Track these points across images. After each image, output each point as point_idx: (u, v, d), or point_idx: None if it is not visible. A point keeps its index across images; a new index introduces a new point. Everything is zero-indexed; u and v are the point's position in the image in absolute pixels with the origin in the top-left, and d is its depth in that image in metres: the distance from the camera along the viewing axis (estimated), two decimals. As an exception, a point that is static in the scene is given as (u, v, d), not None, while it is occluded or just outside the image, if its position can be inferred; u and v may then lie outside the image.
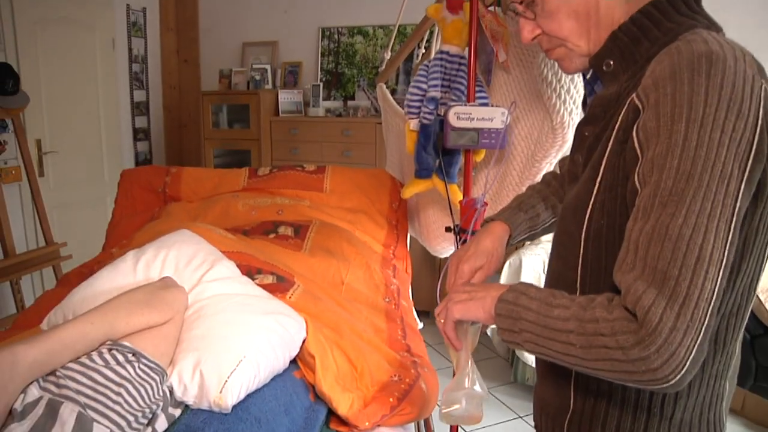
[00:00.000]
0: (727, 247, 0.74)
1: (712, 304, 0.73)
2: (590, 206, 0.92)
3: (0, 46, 3.85)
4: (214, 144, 4.83)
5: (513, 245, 1.29)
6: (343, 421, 1.29)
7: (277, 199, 2.61)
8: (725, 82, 0.74)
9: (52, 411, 0.91)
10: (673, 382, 0.74)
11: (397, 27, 2.95)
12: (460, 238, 1.73)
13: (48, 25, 4.17)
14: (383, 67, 3.19)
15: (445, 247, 2.52)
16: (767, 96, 0.77)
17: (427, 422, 2.14)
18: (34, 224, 4.16)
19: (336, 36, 4.85)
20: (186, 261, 1.36)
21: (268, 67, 4.88)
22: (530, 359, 3.15)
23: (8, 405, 0.93)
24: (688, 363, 0.73)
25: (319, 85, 4.72)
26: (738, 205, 0.75)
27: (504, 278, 3.33)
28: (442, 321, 1.05)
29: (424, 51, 3.21)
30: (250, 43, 5.11)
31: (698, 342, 0.73)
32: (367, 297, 1.97)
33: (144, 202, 2.75)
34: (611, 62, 0.93)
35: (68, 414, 0.92)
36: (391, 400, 1.28)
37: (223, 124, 4.92)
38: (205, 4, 5.27)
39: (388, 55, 3.15)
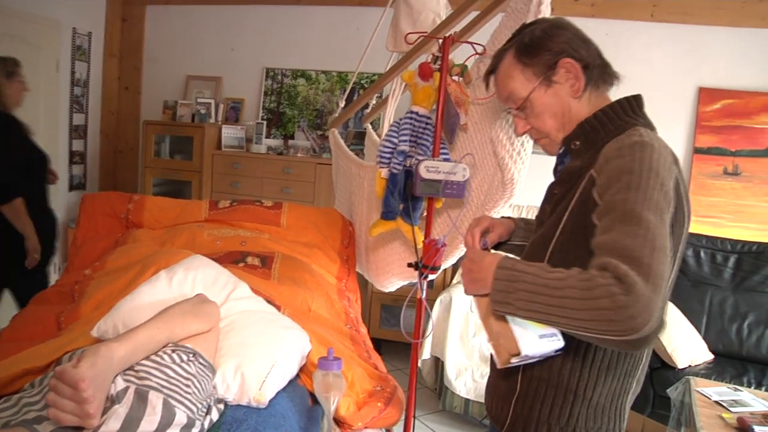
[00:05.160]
0: (670, 247, 1.06)
1: (667, 280, 1.04)
2: (552, 243, 1.27)
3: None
4: (154, 173, 4.91)
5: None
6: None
7: (239, 231, 2.80)
8: (653, 157, 1.11)
9: (142, 398, 1.12)
10: (642, 332, 1.00)
11: (356, 75, 3.24)
12: (422, 273, 2.00)
13: (-7, 40, 4.17)
14: (336, 115, 3.46)
15: (392, 283, 2.78)
16: (677, 177, 1.15)
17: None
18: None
19: (279, 77, 5.09)
20: (212, 281, 1.59)
21: (212, 101, 5.05)
22: (458, 388, 3.44)
23: (107, 391, 1.12)
24: (652, 318, 1.00)
25: (262, 123, 4.93)
26: (668, 226, 1.08)
27: (435, 314, 3.63)
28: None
29: (374, 103, 3.53)
30: (194, 76, 5.26)
31: (659, 303, 1.01)
32: (332, 323, 2.20)
33: (106, 227, 2.86)
34: (578, 143, 1.31)
35: (156, 400, 1.13)
36: (379, 404, 1.54)
37: (164, 154, 5.02)
38: (152, 34, 5.39)
39: (342, 104, 3.44)
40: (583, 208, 1.19)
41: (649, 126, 1.26)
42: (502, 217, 1.65)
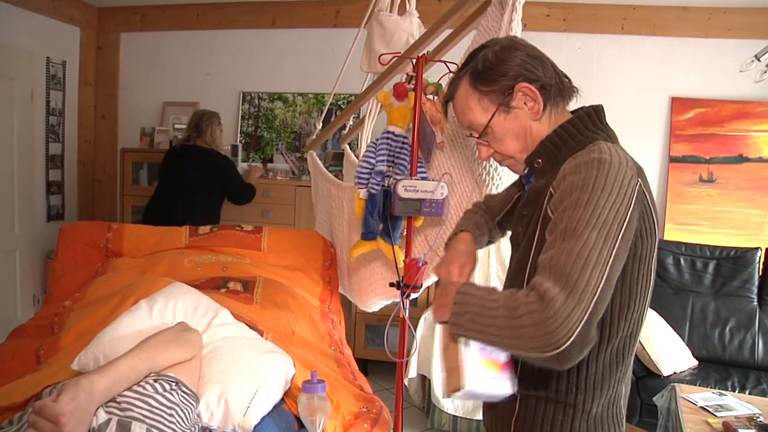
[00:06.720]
0: (609, 264, 1.05)
1: (597, 295, 1.03)
2: (528, 266, 1.26)
3: None
4: (133, 201, 4.88)
5: None
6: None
7: (220, 257, 2.79)
8: (609, 175, 1.09)
9: (125, 429, 1.11)
10: (562, 348, 1.01)
11: (332, 96, 3.25)
12: (404, 293, 2.00)
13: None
14: (314, 137, 3.47)
15: (376, 303, 2.78)
16: (640, 189, 1.13)
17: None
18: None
19: (256, 100, 5.10)
20: (193, 309, 1.58)
21: (189, 127, 5.03)
22: (446, 405, 3.43)
23: (89, 424, 1.10)
24: (574, 334, 1.01)
25: (239, 147, 4.93)
26: (617, 244, 1.07)
27: (419, 332, 3.62)
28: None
29: (352, 123, 3.54)
30: (171, 102, 5.25)
31: (584, 320, 1.02)
32: (316, 346, 2.19)
33: (85, 257, 2.84)
34: (540, 161, 1.30)
35: (139, 431, 1.11)
36: (365, 426, 1.53)
37: (143, 182, 4.98)
38: (127, 61, 5.38)
39: (319, 126, 3.45)
40: (545, 226, 1.20)
41: (611, 138, 1.25)
42: (455, 231, 1.59)
